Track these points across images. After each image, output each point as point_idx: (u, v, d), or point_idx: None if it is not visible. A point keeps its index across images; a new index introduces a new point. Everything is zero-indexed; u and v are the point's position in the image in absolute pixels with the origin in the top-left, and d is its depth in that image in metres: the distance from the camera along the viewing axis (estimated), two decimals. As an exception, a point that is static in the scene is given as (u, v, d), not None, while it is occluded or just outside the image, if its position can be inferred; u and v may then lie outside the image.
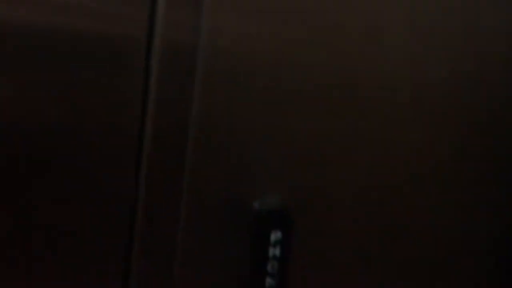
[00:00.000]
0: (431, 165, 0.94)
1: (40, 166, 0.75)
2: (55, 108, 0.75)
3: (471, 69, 0.95)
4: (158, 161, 0.80)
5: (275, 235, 0.85)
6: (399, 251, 0.94)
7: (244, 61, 0.83)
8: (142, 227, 0.80)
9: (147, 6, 0.77)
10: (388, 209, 0.92)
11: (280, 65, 0.85)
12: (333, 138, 0.89)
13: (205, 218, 0.84)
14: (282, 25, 0.84)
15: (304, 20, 0.85)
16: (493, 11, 0.96)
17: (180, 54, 0.79)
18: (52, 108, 0.75)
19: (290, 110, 0.86)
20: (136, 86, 0.78)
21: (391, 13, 0.90)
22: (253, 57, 0.83)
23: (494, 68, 0.97)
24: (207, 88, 0.81)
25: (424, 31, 0.91)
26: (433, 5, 0.92)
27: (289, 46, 0.85)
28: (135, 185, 0.79)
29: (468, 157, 0.97)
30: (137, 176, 0.79)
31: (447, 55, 0.93)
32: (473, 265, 1.00)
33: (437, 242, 0.96)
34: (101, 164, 0.77)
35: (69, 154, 0.76)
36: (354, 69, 0.88)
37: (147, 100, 0.79)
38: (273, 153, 0.86)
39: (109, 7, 0.75)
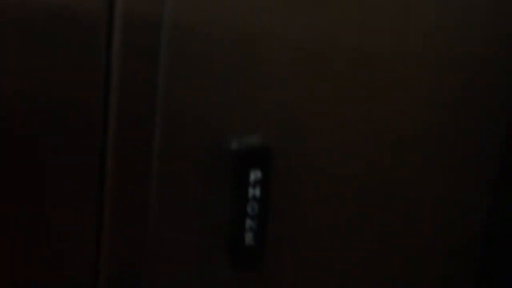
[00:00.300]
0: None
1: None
2: (13, 83, 0.70)
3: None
4: (126, 107, 0.75)
5: (255, 175, 0.81)
6: (378, 193, 0.91)
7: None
8: (114, 174, 0.76)
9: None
10: (369, 153, 0.88)
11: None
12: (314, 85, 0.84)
13: (180, 161, 0.79)
14: None
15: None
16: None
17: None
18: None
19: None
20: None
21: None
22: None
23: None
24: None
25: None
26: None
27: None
28: (103, 133, 0.75)
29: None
30: (106, 124, 0.74)
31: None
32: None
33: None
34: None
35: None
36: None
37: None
38: (250, 94, 0.81)
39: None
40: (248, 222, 0.82)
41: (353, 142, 0.87)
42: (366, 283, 0.92)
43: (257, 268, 0.84)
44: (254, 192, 0.81)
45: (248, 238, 0.82)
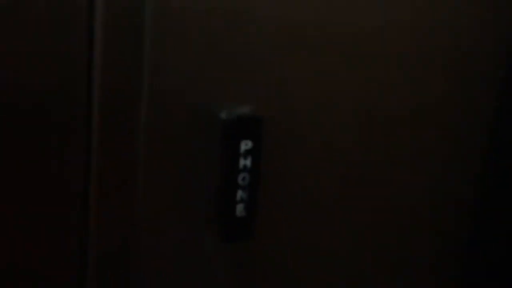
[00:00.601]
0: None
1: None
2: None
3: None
4: (113, 77, 0.73)
5: (245, 145, 0.80)
6: (369, 162, 0.90)
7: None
8: (100, 146, 0.74)
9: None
10: (360, 122, 0.87)
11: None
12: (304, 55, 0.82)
13: (170, 132, 0.77)
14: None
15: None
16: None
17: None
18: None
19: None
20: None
21: None
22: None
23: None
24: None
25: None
26: None
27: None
28: (88, 104, 0.73)
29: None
30: (90, 93, 0.72)
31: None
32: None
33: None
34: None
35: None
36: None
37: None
38: (240, 65, 0.79)
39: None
40: (239, 193, 0.80)
41: (343, 111, 0.86)
42: (356, 253, 0.92)
43: (247, 240, 0.83)
44: (245, 162, 0.80)
45: (239, 209, 0.80)
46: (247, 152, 0.80)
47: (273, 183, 0.83)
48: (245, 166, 0.80)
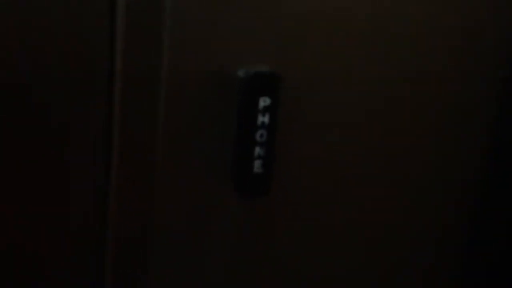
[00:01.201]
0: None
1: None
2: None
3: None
4: (134, 35, 0.74)
5: (264, 102, 0.80)
6: (383, 121, 0.90)
7: None
8: (122, 106, 0.74)
9: None
10: (374, 79, 0.88)
11: None
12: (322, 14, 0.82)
13: (188, 89, 0.78)
14: None
15: None
16: None
17: None
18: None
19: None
20: None
21: None
22: None
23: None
24: None
25: None
26: None
27: None
28: (110, 60, 0.73)
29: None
30: (113, 52, 0.73)
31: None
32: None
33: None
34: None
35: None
36: None
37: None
38: (258, 23, 0.79)
39: None
40: (257, 150, 0.81)
41: (360, 68, 0.86)
42: (370, 213, 0.93)
43: (264, 195, 0.84)
44: (263, 119, 0.80)
45: (257, 165, 0.81)
46: (265, 109, 0.80)
47: (288, 140, 0.84)
48: (263, 123, 0.80)
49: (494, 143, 0.96)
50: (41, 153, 0.73)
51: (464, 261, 1.01)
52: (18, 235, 0.75)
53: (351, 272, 0.94)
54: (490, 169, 0.97)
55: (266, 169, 0.82)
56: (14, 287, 0.76)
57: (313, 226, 0.90)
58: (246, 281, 0.88)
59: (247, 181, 0.82)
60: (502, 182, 0.99)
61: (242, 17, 0.78)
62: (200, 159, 0.81)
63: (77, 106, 0.73)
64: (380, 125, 0.89)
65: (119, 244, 0.79)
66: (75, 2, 0.71)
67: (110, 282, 0.80)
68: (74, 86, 0.73)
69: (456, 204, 0.97)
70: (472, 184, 0.97)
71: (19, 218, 0.74)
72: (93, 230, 0.78)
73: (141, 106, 0.76)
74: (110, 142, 0.76)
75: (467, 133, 0.95)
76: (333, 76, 0.85)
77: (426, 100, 0.91)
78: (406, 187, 0.94)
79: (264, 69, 0.80)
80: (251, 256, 0.87)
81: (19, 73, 0.71)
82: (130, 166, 0.77)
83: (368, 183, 0.91)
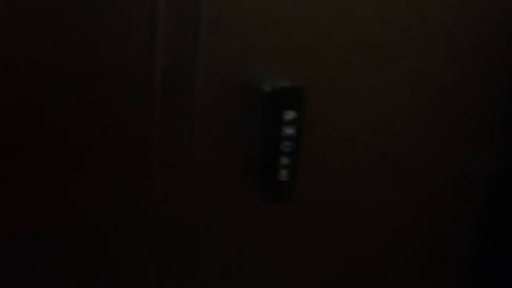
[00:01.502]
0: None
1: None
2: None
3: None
4: (172, 46, 0.81)
5: (287, 115, 0.86)
6: (406, 132, 0.95)
7: None
8: (161, 102, 0.83)
9: None
10: (397, 93, 0.93)
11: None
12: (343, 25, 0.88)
13: (218, 103, 0.85)
14: None
15: None
16: None
17: None
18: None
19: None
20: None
21: None
22: None
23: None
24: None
25: None
26: None
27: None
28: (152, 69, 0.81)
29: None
30: (153, 59, 0.81)
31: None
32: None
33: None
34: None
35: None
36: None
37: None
38: (284, 38, 0.85)
39: None
40: (283, 159, 0.87)
41: (383, 83, 0.91)
42: (389, 217, 0.98)
43: (288, 201, 0.90)
44: (288, 131, 0.86)
45: (282, 174, 0.87)
46: (290, 122, 0.86)
47: (313, 150, 0.90)
48: (288, 134, 0.86)
49: (498, 142, 0.98)
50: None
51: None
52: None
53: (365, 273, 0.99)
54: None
55: (291, 177, 0.88)
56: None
57: (333, 230, 0.95)
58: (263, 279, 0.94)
59: (273, 188, 0.88)
60: (505, 181, 1.00)
61: (267, 36, 0.85)
62: (230, 167, 0.88)
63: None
64: (399, 132, 0.94)
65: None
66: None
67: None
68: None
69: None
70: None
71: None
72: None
73: (177, 118, 0.84)
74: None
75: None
76: (351, 87, 0.90)
77: (443, 105, 0.94)
78: (425, 191, 0.98)
79: (289, 84, 0.86)
80: (274, 252, 0.94)
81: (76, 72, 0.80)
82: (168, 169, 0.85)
83: (390, 189, 0.96)
